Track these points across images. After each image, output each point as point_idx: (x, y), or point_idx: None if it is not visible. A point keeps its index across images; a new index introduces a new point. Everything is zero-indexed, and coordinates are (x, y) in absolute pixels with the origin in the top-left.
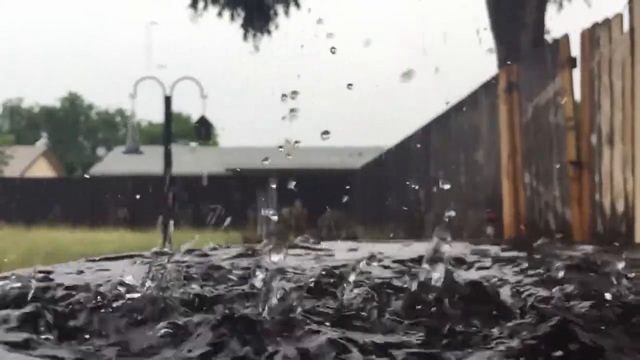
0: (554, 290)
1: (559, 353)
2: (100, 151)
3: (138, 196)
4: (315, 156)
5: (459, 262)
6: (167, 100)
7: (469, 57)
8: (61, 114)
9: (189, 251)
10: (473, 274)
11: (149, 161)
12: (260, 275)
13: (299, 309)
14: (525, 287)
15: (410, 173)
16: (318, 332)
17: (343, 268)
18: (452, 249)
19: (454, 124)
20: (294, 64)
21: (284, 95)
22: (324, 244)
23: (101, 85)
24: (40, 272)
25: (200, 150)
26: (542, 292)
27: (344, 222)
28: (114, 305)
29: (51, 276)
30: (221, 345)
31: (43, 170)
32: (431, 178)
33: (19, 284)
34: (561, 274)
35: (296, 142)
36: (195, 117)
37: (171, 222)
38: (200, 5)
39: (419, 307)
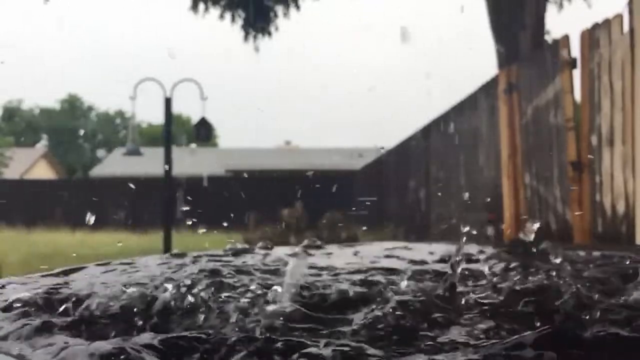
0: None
1: None
2: (100, 153)
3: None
4: (315, 157)
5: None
6: (167, 102)
7: (469, 58)
8: (61, 115)
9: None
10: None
11: (149, 163)
12: None
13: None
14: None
15: (410, 174)
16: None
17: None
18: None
19: (453, 125)
20: (294, 65)
21: None
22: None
23: (101, 87)
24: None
25: (200, 151)
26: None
27: (344, 223)
28: None
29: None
30: None
31: (43, 172)
32: (431, 179)
33: None
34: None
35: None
36: (195, 119)
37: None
38: (201, 7)
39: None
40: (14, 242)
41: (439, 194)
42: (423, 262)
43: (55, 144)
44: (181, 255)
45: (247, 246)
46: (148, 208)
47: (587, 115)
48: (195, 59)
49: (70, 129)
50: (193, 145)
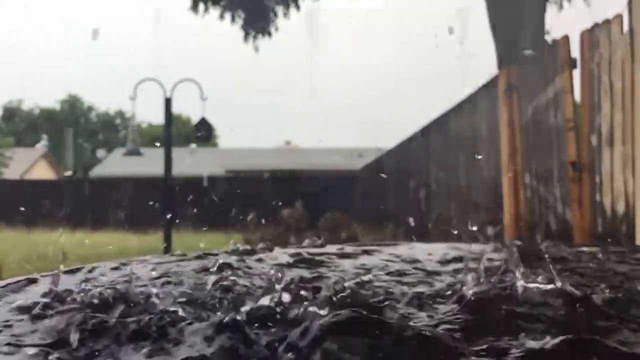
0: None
1: None
2: (100, 153)
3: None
4: (315, 157)
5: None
6: (167, 102)
7: (469, 58)
8: (61, 115)
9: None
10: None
11: (149, 163)
12: None
13: None
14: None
15: (410, 174)
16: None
17: None
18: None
19: (453, 125)
20: (294, 65)
21: None
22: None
23: (101, 87)
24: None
25: (200, 151)
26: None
27: (344, 223)
28: None
29: None
30: None
31: (43, 172)
32: (431, 179)
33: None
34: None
35: None
36: (195, 119)
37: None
38: (201, 7)
39: None
40: (14, 242)
41: (439, 194)
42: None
43: (55, 144)
44: (183, 255)
45: (248, 247)
46: (148, 208)
47: (587, 116)
48: (195, 59)
49: (71, 129)
50: (193, 145)
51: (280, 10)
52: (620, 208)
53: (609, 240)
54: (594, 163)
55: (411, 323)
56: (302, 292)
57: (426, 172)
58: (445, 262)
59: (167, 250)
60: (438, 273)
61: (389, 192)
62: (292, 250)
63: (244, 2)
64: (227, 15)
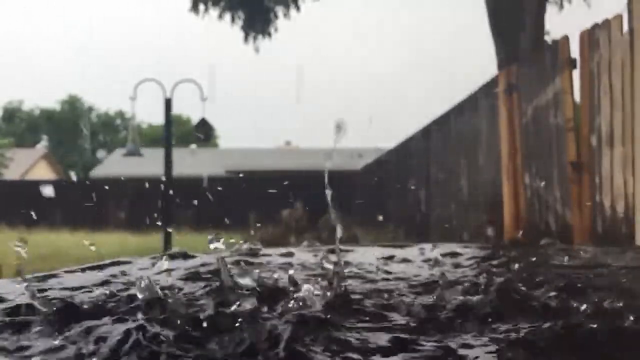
0: None
1: None
2: (101, 153)
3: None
4: (315, 157)
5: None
6: (168, 103)
7: (469, 58)
8: (61, 116)
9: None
10: None
11: (149, 163)
12: None
13: None
14: None
15: (410, 174)
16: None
17: None
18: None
19: (453, 125)
20: (294, 66)
21: None
22: None
23: (101, 87)
24: None
25: (200, 152)
26: None
27: (344, 223)
28: None
29: None
30: None
31: (43, 172)
32: (431, 179)
33: None
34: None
35: None
36: (195, 119)
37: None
38: (201, 7)
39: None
40: (14, 243)
41: (439, 194)
42: None
43: (56, 145)
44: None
45: (252, 247)
46: (148, 208)
47: (586, 116)
48: (196, 60)
49: (71, 130)
50: (193, 146)
51: (280, 10)
52: (620, 209)
53: (609, 240)
54: (594, 163)
55: None
56: None
57: (426, 172)
58: None
59: (167, 250)
60: None
61: (389, 192)
62: (291, 249)
63: (244, 2)
64: (227, 16)
